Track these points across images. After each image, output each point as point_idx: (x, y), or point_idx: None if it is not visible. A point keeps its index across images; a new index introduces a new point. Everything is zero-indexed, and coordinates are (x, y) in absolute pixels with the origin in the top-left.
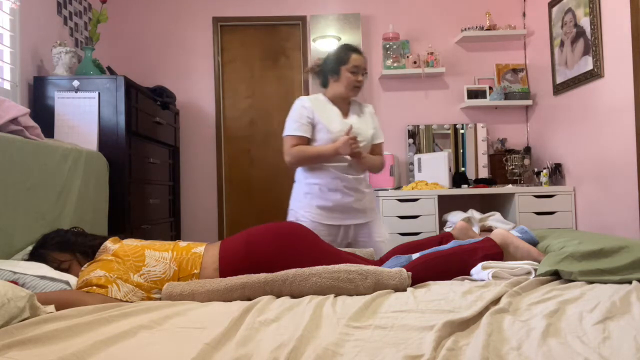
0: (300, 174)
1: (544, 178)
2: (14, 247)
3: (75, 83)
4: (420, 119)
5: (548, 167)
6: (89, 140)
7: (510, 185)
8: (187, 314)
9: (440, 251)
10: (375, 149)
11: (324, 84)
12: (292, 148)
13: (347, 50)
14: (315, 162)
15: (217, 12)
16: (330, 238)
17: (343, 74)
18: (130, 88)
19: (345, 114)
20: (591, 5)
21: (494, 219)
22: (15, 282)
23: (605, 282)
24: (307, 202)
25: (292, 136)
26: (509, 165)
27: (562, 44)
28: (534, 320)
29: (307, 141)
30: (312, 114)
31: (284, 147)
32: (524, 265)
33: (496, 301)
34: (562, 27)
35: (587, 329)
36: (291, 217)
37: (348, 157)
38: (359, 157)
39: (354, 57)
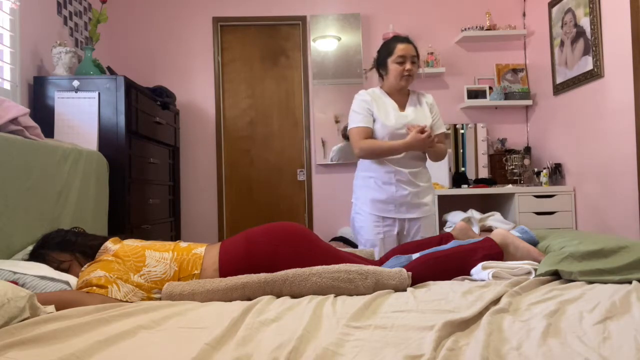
0: (358, 167)
1: (544, 178)
2: (14, 247)
3: (75, 83)
4: None
5: (548, 167)
6: (89, 140)
7: (510, 185)
8: (187, 314)
9: (440, 251)
10: (436, 140)
11: (382, 78)
12: (363, 141)
13: (393, 41)
14: (385, 157)
15: (217, 12)
16: (387, 229)
17: (390, 66)
18: (130, 88)
19: (402, 106)
20: (591, 5)
21: (494, 219)
22: (15, 282)
23: (605, 282)
24: (363, 194)
25: (359, 128)
26: (509, 165)
27: (562, 44)
28: (534, 320)
29: (371, 132)
30: (372, 107)
31: (352, 139)
32: (524, 265)
33: (496, 301)
34: (562, 27)
35: (587, 329)
36: (353, 209)
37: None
38: (432, 147)
39: (399, 47)
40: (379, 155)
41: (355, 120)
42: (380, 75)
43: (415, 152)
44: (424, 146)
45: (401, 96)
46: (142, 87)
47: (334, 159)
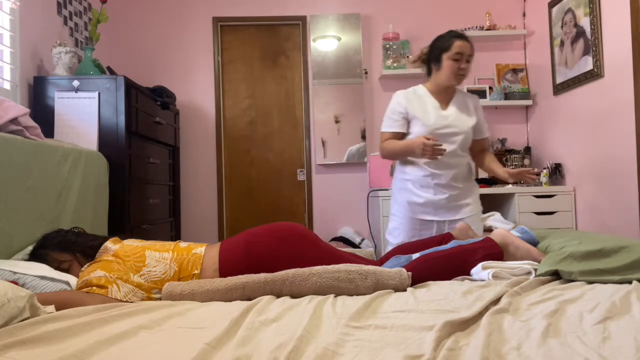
0: (396, 169)
1: (544, 178)
2: (14, 247)
3: (75, 83)
4: None
5: (548, 167)
6: (89, 140)
7: (510, 185)
8: (187, 314)
9: (440, 251)
10: (479, 144)
11: (429, 73)
12: (384, 143)
13: (451, 36)
14: (400, 157)
15: (217, 12)
16: (425, 232)
17: (444, 62)
18: (130, 88)
19: (445, 105)
20: (591, 5)
21: (494, 219)
22: (15, 282)
23: (605, 282)
24: (400, 197)
25: (384, 132)
26: (509, 165)
27: (562, 44)
28: (534, 320)
29: (402, 136)
30: (405, 110)
31: (380, 141)
32: (524, 265)
33: (496, 301)
34: (562, 27)
35: (587, 329)
36: (391, 211)
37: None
38: (434, 159)
39: (458, 44)
40: (393, 155)
41: (386, 124)
42: (429, 70)
43: (456, 153)
44: (422, 152)
45: (446, 94)
46: (142, 87)
47: (350, 159)
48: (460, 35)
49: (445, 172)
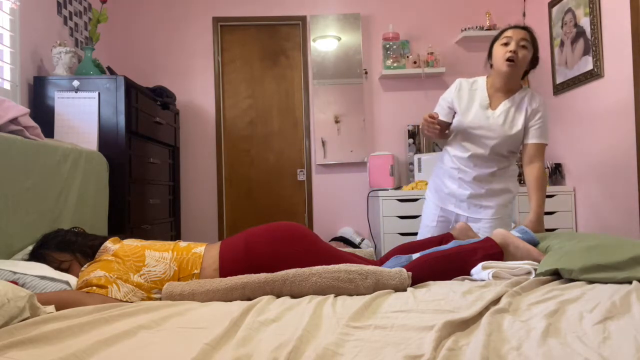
0: (439, 158)
1: None
2: (14, 247)
3: (75, 83)
4: (420, 119)
5: (548, 167)
6: (89, 140)
7: None
8: (187, 314)
9: (440, 251)
10: (528, 150)
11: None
12: None
13: (507, 28)
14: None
15: (217, 12)
16: (443, 220)
17: (495, 50)
18: (130, 88)
19: (497, 103)
20: (591, 5)
21: None
22: (15, 282)
23: (605, 282)
24: (433, 184)
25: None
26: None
27: (562, 44)
28: (534, 320)
29: (446, 126)
30: (451, 101)
31: None
32: (524, 265)
33: (496, 301)
34: (562, 27)
35: (587, 329)
36: (425, 194)
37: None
38: (431, 134)
39: (509, 30)
40: (423, 132)
41: (435, 108)
42: (491, 65)
43: (485, 156)
44: (424, 128)
45: (503, 92)
46: (142, 87)
47: None
48: (516, 25)
49: (470, 171)
